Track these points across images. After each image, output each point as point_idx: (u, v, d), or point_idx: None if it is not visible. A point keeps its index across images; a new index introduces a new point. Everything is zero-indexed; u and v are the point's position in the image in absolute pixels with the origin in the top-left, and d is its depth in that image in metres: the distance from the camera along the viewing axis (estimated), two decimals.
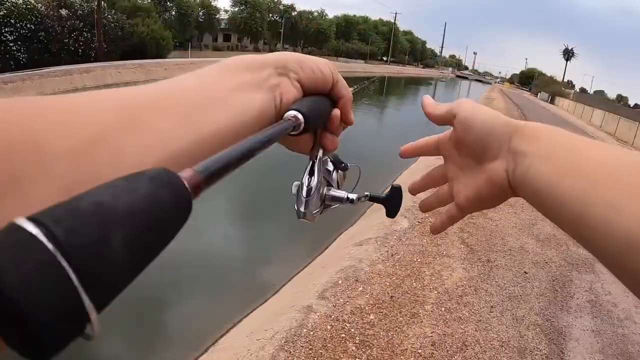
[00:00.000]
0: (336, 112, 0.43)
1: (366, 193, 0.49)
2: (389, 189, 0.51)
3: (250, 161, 0.28)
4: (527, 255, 4.56)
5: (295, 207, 0.44)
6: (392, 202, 0.50)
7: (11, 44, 20.79)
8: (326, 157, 0.46)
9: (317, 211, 0.45)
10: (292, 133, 0.35)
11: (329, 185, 0.47)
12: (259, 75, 0.36)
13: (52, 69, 22.60)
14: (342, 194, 0.47)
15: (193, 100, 0.31)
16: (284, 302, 3.77)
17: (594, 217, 0.28)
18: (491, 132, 0.40)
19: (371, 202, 0.49)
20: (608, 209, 0.27)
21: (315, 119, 0.38)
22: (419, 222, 4.90)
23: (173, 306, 4.24)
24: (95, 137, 0.24)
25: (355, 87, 0.59)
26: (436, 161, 0.51)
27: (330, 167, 0.48)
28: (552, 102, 47.40)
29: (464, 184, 0.44)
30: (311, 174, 0.43)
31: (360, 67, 55.06)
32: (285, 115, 0.36)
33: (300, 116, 0.36)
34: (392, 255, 4.08)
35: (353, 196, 0.47)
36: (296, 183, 0.44)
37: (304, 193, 0.43)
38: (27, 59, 21.51)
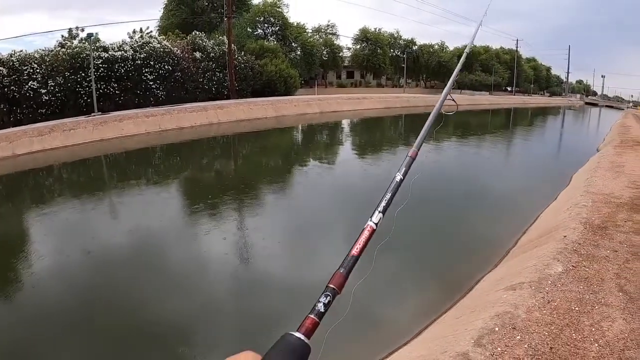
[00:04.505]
0: None
1: None
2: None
3: None
4: None
5: None
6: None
7: (151, 83, 22.02)
8: None
9: None
10: None
11: None
12: None
13: (189, 105, 23.00)
14: None
15: None
16: (431, 346, 3.61)
17: None
18: None
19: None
20: None
21: None
22: (573, 266, 4.44)
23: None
24: None
25: None
26: None
27: None
28: None
29: None
30: None
31: (485, 99, 53.18)
32: None
33: None
34: (548, 302, 3.79)
35: None
36: None
37: None
38: (165, 96, 22.47)
